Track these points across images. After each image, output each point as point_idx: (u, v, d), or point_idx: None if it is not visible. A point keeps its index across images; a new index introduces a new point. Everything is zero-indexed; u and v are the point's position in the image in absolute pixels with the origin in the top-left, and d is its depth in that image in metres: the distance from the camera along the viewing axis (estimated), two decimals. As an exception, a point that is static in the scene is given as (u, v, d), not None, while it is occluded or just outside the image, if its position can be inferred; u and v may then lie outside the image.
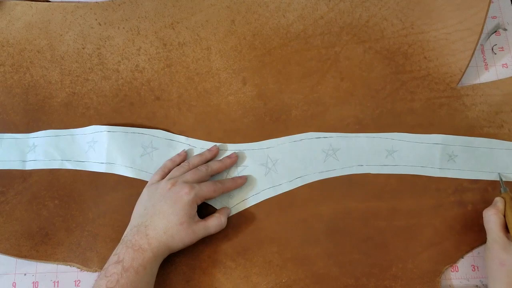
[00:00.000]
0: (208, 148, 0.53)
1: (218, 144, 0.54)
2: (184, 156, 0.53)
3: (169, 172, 0.51)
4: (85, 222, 0.51)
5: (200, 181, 0.49)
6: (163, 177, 0.50)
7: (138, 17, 0.59)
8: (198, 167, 0.50)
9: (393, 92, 0.55)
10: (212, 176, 0.51)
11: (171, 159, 0.52)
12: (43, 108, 0.56)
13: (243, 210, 0.52)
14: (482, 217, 0.51)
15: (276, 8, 0.59)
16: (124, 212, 0.50)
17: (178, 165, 0.52)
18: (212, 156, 0.53)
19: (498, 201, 0.48)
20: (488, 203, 0.51)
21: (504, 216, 0.47)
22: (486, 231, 0.47)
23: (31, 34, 0.59)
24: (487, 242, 0.47)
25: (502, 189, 0.49)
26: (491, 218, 0.46)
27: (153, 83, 0.57)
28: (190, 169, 0.50)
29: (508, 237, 0.45)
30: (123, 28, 0.58)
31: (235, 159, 0.52)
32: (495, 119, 0.54)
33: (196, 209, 0.47)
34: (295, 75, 0.56)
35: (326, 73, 0.56)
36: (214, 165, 0.51)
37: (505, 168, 0.52)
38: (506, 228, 0.46)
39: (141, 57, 0.58)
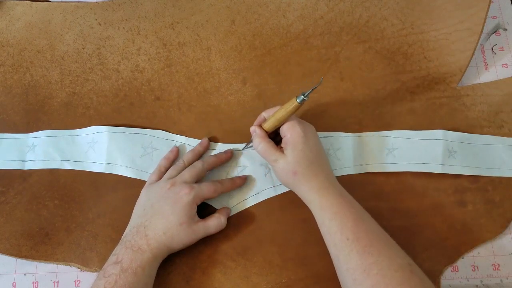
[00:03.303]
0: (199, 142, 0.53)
1: (218, 144, 0.54)
2: (176, 152, 0.53)
3: (165, 171, 0.51)
4: (85, 222, 0.51)
5: (198, 177, 0.49)
6: (160, 177, 0.50)
7: (138, 17, 0.59)
8: (194, 164, 0.50)
9: (393, 92, 0.55)
10: (209, 172, 0.51)
11: (164, 157, 0.52)
12: (43, 108, 0.56)
13: (243, 210, 0.52)
14: (482, 217, 0.51)
15: (276, 8, 0.59)
16: (124, 212, 0.50)
17: (172, 162, 0.52)
18: (204, 149, 0.53)
19: (256, 130, 0.48)
20: (488, 203, 0.51)
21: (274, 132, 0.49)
22: (266, 160, 0.48)
23: (31, 34, 0.59)
24: (272, 168, 0.48)
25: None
26: (261, 145, 0.47)
27: (153, 83, 0.57)
28: (186, 167, 0.50)
29: (278, 151, 0.47)
30: (123, 28, 0.58)
31: (231, 155, 0.52)
32: (495, 119, 0.54)
33: (196, 209, 0.47)
34: (295, 75, 0.56)
35: (326, 73, 0.56)
36: (209, 160, 0.51)
37: (502, 163, 0.52)
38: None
39: (141, 57, 0.58)
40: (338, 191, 0.46)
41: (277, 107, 0.47)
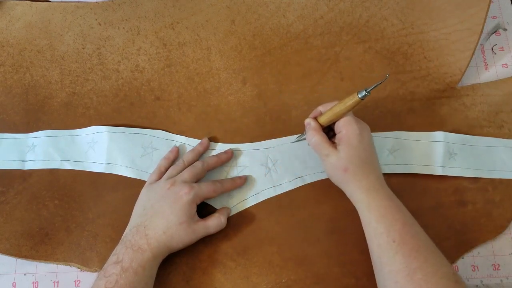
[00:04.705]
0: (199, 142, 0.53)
1: (218, 144, 0.54)
2: (177, 152, 0.53)
3: (165, 171, 0.51)
4: (85, 222, 0.51)
5: (198, 177, 0.49)
6: (160, 177, 0.50)
7: (138, 17, 0.59)
8: (194, 164, 0.50)
9: (393, 92, 0.55)
10: (208, 172, 0.51)
11: (164, 157, 0.52)
12: (43, 108, 0.56)
13: (243, 210, 0.52)
14: (482, 217, 0.51)
15: (276, 8, 0.59)
16: (124, 212, 0.50)
17: (172, 161, 0.52)
18: (204, 149, 0.53)
19: (310, 122, 0.48)
20: (488, 203, 0.51)
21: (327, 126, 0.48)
22: (317, 154, 0.48)
23: (31, 34, 0.59)
24: (322, 162, 0.48)
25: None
26: (315, 138, 0.47)
27: (153, 83, 0.57)
28: (186, 166, 0.50)
29: (331, 145, 0.46)
30: (123, 28, 0.58)
31: (231, 155, 0.52)
32: (495, 119, 0.54)
33: (195, 209, 0.47)
34: (295, 75, 0.56)
35: (326, 73, 0.57)
36: (210, 160, 0.51)
37: (503, 165, 0.52)
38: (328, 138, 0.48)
39: (141, 57, 0.58)
40: (387, 193, 0.45)
41: (335, 102, 0.47)
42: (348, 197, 0.47)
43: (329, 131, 0.49)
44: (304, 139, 0.50)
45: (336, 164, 0.46)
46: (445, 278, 0.40)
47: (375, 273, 0.44)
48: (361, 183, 0.45)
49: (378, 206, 0.44)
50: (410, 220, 0.44)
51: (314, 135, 0.47)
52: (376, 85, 0.43)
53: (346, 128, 0.46)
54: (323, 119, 0.47)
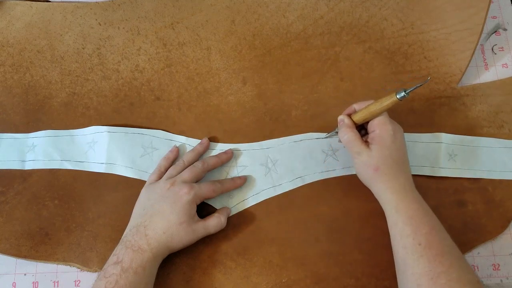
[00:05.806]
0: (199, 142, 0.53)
1: (218, 144, 0.54)
2: (177, 152, 0.53)
3: (165, 171, 0.51)
4: (85, 222, 0.51)
5: (198, 177, 0.49)
6: (160, 177, 0.50)
7: (138, 17, 0.59)
8: (194, 164, 0.50)
9: (393, 92, 0.55)
10: (209, 172, 0.51)
11: (165, 157, 0.52)
12: (43, 108, 0.56)
13: (243, 210, 0.52)
14: (482, 217, 0.51)
15: (276, 8, 0.59)
16: (124, 212, 0.50)
17: (172, 161, 0.52)
18: (204, 149, 0.53)
19: (344, 119, 0.48)
20: (488, 203, 0.51)
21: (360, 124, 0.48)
22: (348, 151, 0.48)
23: (31, 34, 0.59)
24: (353, 159, 0.47)
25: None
26: (348, 135, 0.46)
27: (153, 83, 0.57)
28: (186, 166, 0.50)
29: (364, 144, 0.46)
30: (123, 28, 0.58)
31: (231, 155, 0.52)
32: (495, 119, 0.54)
33: (195, 209, 0.47)
34: (295, 75, 0.56)
35: (326, 73, 0.57)
36: (210, 161, 0.51)
37: (503, 166, 0.52)
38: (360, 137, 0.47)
39: (141, 57, 0.58)
40: (416, 196, 0.45)
41: (370, 101, 0.47)
42: (376, 196, 0.47)
43: (360, 129, 0.49)
44: (336, 135, 0.50)
45: (367, 163, 0.46)
46: (469, 285, 0.39)
47: (397, 274, 0.44)
48: (391, 184, 0.45)
49: (406, 208, 0.44)
50: (438, 225, 0.44)
51: (347, 132, 0.47)
52: (416, 87, 0.43)
53: (380, 127, 0.46)
54: (357, 117, 0.47)
